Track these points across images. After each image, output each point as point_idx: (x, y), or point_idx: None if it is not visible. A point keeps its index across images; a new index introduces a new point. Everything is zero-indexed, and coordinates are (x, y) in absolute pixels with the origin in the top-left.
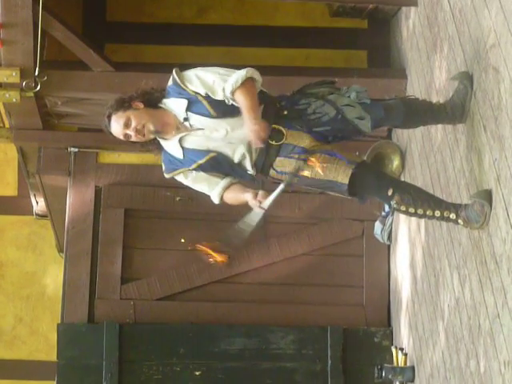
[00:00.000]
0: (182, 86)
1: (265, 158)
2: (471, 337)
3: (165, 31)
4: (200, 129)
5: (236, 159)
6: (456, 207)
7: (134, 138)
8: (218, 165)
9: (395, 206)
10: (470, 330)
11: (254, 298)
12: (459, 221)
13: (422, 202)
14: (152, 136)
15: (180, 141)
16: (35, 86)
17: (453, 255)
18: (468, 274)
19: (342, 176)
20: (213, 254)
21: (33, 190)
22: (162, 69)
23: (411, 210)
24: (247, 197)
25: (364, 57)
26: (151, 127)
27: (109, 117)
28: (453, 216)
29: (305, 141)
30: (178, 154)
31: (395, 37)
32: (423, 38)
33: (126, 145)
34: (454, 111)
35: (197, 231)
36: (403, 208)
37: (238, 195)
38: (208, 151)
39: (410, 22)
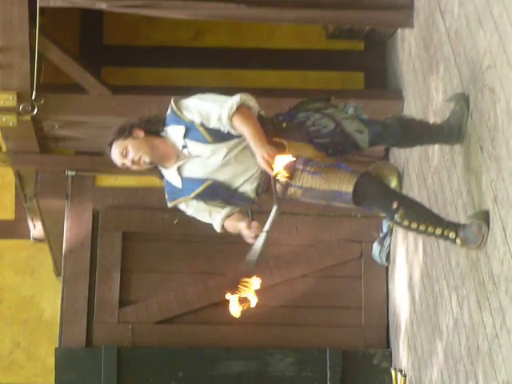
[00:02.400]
0: (179, 113)
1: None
2: (470, 357)
3: (161, 54)
4: (198, 156)
5: (237, 183)
6: (455, 226)
7: (131, 168)
8: (215, 193)
9: (398, 219)
10: (468, 350)
11: (252, 321)
12: (457, 240)
13: (424, 218)
14: (147, 167)
15: (178, 169)
16: (32, 110)
17: (451, 276)
18: (466, 294)
19: (347, 185)
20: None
21: (30, 213)
22: (158, 92)
23: (414, 225)
24: (241, 226)
25: (361, 78)
26: (147, 159)
27: (110, 144)
28: (452, 235)
29: (308, 151)
30: (177, 182)
31: (391, 58)
32: (419, 60)
33: (123, 168)
34: (450, 132)
35: (195, 254)
36: (406, 223)
37: (235, 224)
38: (205, 179)
39: (406, 44)
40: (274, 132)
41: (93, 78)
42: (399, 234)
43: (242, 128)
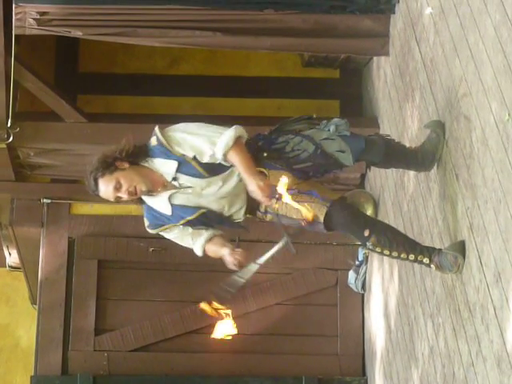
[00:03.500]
0: (169, 148)
1: (253, 201)
2: None
3: (137, 82)
4: (190, 187)
5: (229, 212)
6: (430, 251)
7: (126, 199)
8: (206, 220)
9: (371, 247)
10: (444, 378)
11: (228, 349)
12: (432, 265)
13: (397, 244)
14: (143, 195)
15: (169, 198)
16: (7, 138)
17: (426, 304)
18: (442, 322)
19: (318, 214)
20: (215, 311)
21: (5, 241)
22: (134, 119)
23: (386, 252)
24: (224, 252)
25: (336, 106)
26: (143, 188)
27: (96, 180)
28: (426, 260)
29: (285, 180)
30: (166, 210)
31: (367, 86)
32: (395, 88)
33: (98, 196)
34: (424, 159)
35: (170, 282)
36: (378, 250)
37: (217, 249)
38: (198, 208)
39: (382, 72)
40: (255, 161)
41: (68, 106)
42: (375, 261)
43: (236, 161)
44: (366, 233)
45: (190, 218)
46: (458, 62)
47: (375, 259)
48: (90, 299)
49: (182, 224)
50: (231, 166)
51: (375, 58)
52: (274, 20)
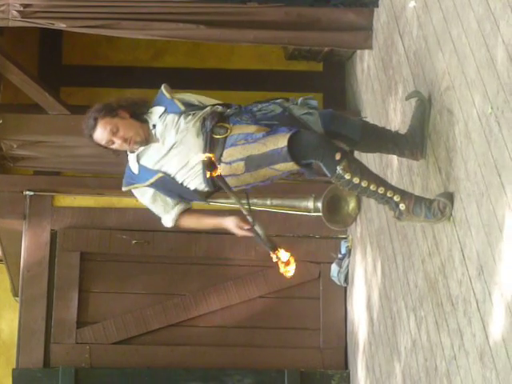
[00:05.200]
0: (166, 94)
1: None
2: (428, 379)
3: (120, 74)
4: (158, 140)
5: (184, 177)
6: (403, 193)
7: (117, 146)
8: (165, 186)
9: (340, 171)
10: (426, 371)
11: (210, 342)
12: (401, 205)
13: (368, 175)
14: (136, 147)
15: (137, 156)
16: None
17: (409, 297)
18: (424, 315)
19: (282, 140)
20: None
21: None
22: None
23: (356, 179)
24: (228, 223)
25: (320, 99)
26: (138, 139)
27: (95, 119)
28: (396, 198)
29: (250, 129)
30: (134, 168)
31: (350, 79)
32: (378, 81)
33: (81, 188)
34: (413, 136)
35: (153, 274)
36: (348, 176)
37: (202, 220)
38: (157, 171)
39: (365, 65)
40: (219, 119)
41: (52, 98)
42: (358, 254)
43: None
44: (338, 156)
45: (151, 180)
46: (441, 56)
47: (358, 252)
48: (73, 292)
49: (149, 186)
50: (204, 107)
51: (358, 52)
52: (257, 13)
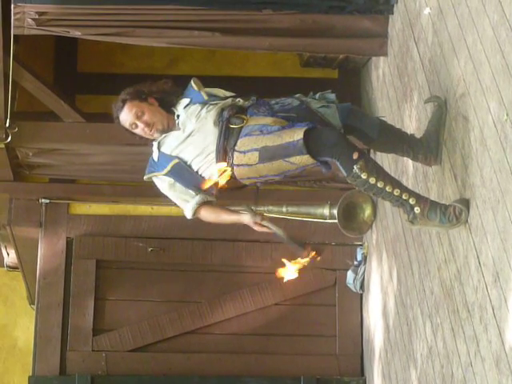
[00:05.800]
0: (195, 87)
1: (227, 143)
2: None
3: (135, 82)
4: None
5: (199, 164)
6: (419, 196)
7: (139, 131)
8: (181, 175)
9: (357, 170)
10: (442, 378)
11: (226, 349)
12: (416, 209)
13: (384, 176)
14: (157, 135)
15: (159, 144)
16: (6, 138)
17: (425, 304)
18: (440, 322)
19: (299, 133)
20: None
21: (4, 241)
22: None
23: (372, 179)
24: (245, 219)
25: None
26: (160, 127)
27: (123, 101)
28: (412, 201)
29: (267, 120)
30: (155, 156)
31: (366, 86)
32: (393, 88)
33: (96, 196)
34: (428, 141)
35: (169, 281)
36: (364, 176)
37: (221, 215)
38: (174, 157)
39: (380, 72)
40: (237, 111)
41: (67, 106)
42: (373, 261)
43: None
44: (355, 155)
45: (169, 166)
46: (457, 62)
47: (374, 259)
48: (88, 299)
49: (166, 175)
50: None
51: (374, 59)
52: (272, 20)
